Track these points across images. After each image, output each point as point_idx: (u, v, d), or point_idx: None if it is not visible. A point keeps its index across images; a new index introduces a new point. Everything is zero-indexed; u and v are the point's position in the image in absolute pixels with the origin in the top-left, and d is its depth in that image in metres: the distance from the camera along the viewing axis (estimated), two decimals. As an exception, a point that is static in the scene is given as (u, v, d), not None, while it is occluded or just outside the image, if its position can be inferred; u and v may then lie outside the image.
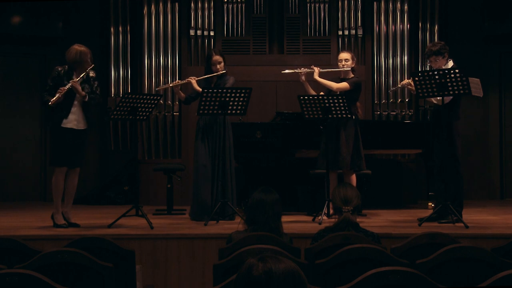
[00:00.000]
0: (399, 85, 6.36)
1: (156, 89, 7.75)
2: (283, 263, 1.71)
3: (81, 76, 5.34)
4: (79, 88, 5.31)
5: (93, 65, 5.45)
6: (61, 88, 5.25)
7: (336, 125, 5.91)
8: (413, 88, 5.57)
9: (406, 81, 6.01)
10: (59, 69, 5.41)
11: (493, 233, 5.00)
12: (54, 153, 5.41)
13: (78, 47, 5.43)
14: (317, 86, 6.09)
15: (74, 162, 5.44)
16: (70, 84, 5.26)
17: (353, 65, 6.04)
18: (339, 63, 6.03)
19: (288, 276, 1.69)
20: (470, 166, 7.92)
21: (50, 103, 5.21)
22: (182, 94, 6.19)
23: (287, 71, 6.11)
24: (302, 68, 6.04)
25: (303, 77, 6.01)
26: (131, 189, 7.81)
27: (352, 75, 6.06)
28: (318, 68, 6.02)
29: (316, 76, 5.99)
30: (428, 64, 6.00)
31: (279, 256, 1.75)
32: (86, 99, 5.35)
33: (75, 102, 5.37)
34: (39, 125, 8.45)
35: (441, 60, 5.63)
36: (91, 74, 5.48)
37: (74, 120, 5.36)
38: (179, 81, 6.40)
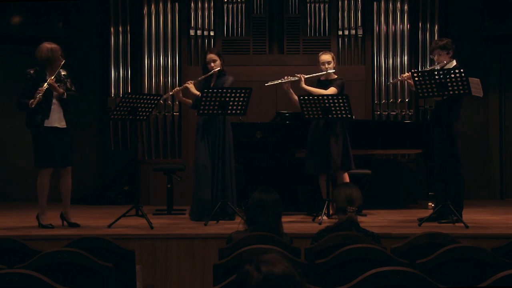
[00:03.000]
0: (399, 78, 6.32)
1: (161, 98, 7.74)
2: (278, 267, 1.72)
3: (55, 74, 5.23)
4: (56, 86, 5.23)
5: (64, 60, 5.35)
6: (40, 89, 5.15)
7: (323, 126, 5.89)
8: (412, 83, 5.54)
9: (406, 74, 5.97)
10: (31, 72, 5.31)
11: (493, 233, 5.00)
12: (39, 155, 5.32)
13: (48, 45, 5.33)
14: (304, 93, 6.06)
15: (64, 161, 5.37)
16: (47, 83, 5.17)
17: (335, 65, 6.03)
18: (321, 66, 6.00)
19: (285, 281, 1.71)
20: (470, 166, 7.92)
21: (31, 105, 5.13)
22: (188, 100, 6.16)
23: (271, 83, 6.08)
24: (286, 78, 6.01)
25: (286, 86, 5.99)
26: (131, 189, 7.80)
27: (335, 76, 6.06)
28: (303, 76, 5.99)
29: (303, 85, 5.96)
30: (431, 57, 5.97)
31: (274, 258, 1.75)
32: (65, 96, 5.28)
33: (54, 101, 5.28)
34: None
35: (444, 56, 5.62)
36: (63, 72, 5.39)
37: (56, 118, 5.29)
38: (178, 88, 6.36)
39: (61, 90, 5.26)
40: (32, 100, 5.15)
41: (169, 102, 8.03)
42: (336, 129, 5.91)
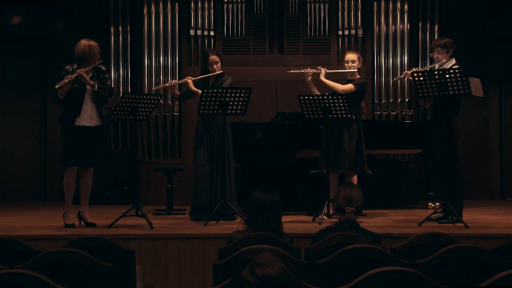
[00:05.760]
0: (401, 76, 6.28)
1: (152, 89, 7.71)
2: (273, 269, 1.72)
3: (89, 67, 5.28)
4: (86, 76, 5.23)
5: (101, 60, 5.42)
6: (68, 76, 5.19)
7: (339, 125, 5.90)
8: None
9: (408, 71, 5.94)
10: (67, 67, 5.36)
11: (493, 233, 5.00)
12: (65, 153, 5.38)
13: (86, 41, 5.39)
14: (322, 86, 6.08)
15: (87, 162, 5.40)
16: (77, 73, 5.19)
17: (359, 66, 6.04)
18: (345, 64, 6.01)
19: (282, 281, 1.71)
20: (470, 166, 7.91)
21: (56, 86, 5.17)
22: (177, 92, 6.20)
23: (293, 71, 6.10)
24: (308, 69, 6.03)
25: (309, 78, 6.00)
26: (131, 189, 7.80)
27: (358, 76, 6.06)
28: (325, 69, 5.99)
29: (322, 77, 5.96)
30: (431, 56, 5.97)
31: (267, 259, 1.76)
32: (96, 88, 5.29)
33: (86, 99, 5.32)
34: (39, 125, 8.45)
35: (443, 54, 5.63)
36: (102, 67, 5.44)
37: (87, 117, 5.32)
38: (176, 80, 6.39)
39: (91, 82, 5.27)
40: (58, 85, 5.17)
41: (169, 102, 8.03)
42: (351, 129, 5.90)
